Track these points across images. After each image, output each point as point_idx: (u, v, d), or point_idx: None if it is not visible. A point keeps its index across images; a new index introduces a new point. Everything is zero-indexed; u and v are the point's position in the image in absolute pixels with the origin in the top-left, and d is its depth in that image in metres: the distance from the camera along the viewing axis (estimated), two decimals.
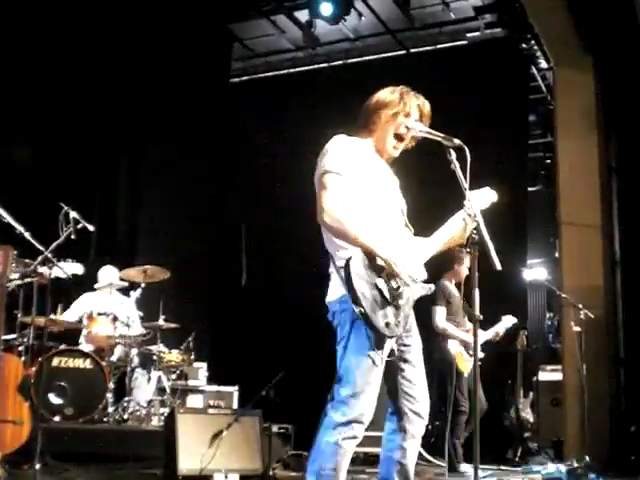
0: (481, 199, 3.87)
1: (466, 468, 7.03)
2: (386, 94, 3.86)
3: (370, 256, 3.49)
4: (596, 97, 8.74)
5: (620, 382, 8.41)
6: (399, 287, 3.54)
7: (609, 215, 8.73)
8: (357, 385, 3.51)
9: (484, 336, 7.43)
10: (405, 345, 3.73)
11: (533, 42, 10.05)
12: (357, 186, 3.65)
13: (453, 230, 3.81)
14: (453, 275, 7.60)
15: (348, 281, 3.40)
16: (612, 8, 8.11)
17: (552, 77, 9.63)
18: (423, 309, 7.16)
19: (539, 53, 10.29)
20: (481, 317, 3.39)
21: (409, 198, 3.95)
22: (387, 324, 3.45)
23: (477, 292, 3.40)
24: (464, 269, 7.47)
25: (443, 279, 7.61)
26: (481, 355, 7.11)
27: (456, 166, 3.55)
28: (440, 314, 7.46)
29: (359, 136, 3.86)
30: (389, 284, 3.50)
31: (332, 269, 3.66)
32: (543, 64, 10.55)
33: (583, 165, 8.63)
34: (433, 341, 7.35)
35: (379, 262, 3.50)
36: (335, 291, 3.61)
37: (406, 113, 3.83)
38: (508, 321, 7.63)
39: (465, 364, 7.35)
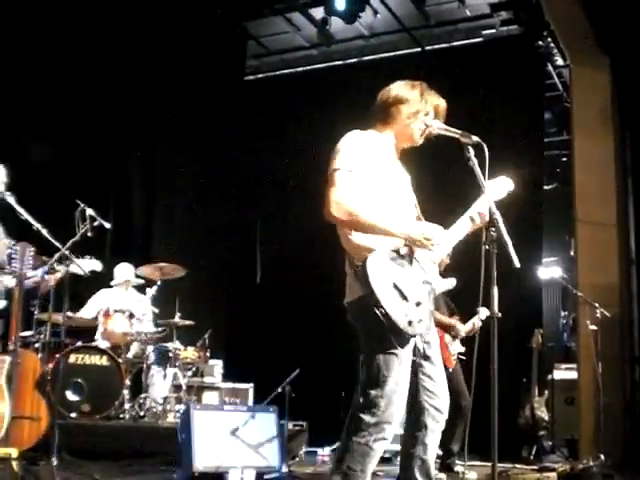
0: (497, 189, 3.90)
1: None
2: (406, 89, 3.88)
3: (389, 255, 3.51)
4: (612, 96, 8.70)
5: (635, 381, 8.38)
6: (418, 284, 3.56)
7: (625, 213, 8.71)
8: (387, 385, 3.52)
9: (463, 330, 7.05)
10: (425, 342, 3.75)
11: (549, 39, 9.98)
12: (370, 182, 3.66)
13: (462, 230, 3.85)
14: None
15: (367, 283, 3.42)
16: (628, 7, 8.07)
17: (568, 75, 9.58)
18: None
19: (555, 50, 10.23)
20: (499, 315, 3.39)
21: (424, 195, 3.97)
22: (410, 322, 3.48)
23: (495, 290, 3.39)
24: (446, 259, 7.19)
25: None
26: (461, 349, 7.03)
27: (474, 163, 3.56)
28: None
29: (376, 129, 3.88)
30: (408, 282, 3.52)
31: (348, 269, 3.67)
32: (559, 61, 10.50)
33: (599, 163, 8.59)
34: None
35: (398, 260, 3.52)
36: (354, 291, 3.61)
37: (426, 112, 3.86)
38: (483, 313, 6.64)
39: (449, 358, 6.89)
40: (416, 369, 3.70)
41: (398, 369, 3.54)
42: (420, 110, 3.84)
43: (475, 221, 3.83)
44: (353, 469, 3.50)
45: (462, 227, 3.85)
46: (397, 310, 3.44)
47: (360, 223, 3.56)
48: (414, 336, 3.56)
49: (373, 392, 3.52)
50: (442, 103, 3.94)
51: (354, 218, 3.55)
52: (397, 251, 3.58)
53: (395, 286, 3.48)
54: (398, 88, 3.90)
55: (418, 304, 3.54)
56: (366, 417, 3.51)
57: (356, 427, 3.53)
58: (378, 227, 3.54)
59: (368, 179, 3.65)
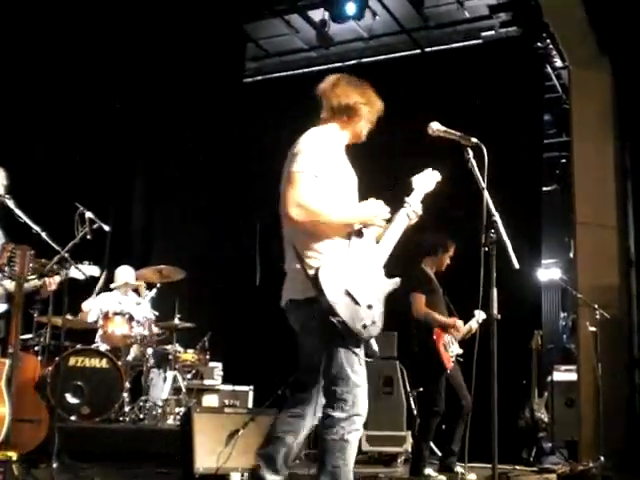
0: (426, 182, 4.05)
1: (430, 471, 6.74)
2: (363, 90, 4.01)
3: (339, 260, 3.64)
4: (612, 97, 8.70)
5: (635, 382, 8.38)
6: (368, 287, 3.67)
7: (624, 215, 8.70)
8: (352, 381, 3.65)
9: (462, 330, 6.99)
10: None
11: (548, 41, 9.98)
12: (331, 185, 3.76)
13: (400, 229, 3.97)
14: (434, 262, 7.12)
15: (322, 293, 3.53)
16: (628, 8, 8.08)
17: (567, 77, 9.59)
18: (400, 299, 7.12)
19: (554, 52, 10.22)
20: (499, 316, 3.40)
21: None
22: (364, 326, 3.61)
23: (495, 292, 3.40)
24: (447, 258, 7.12)
25: (423, 264, 7.13)
26: (460, 351, 6.99)
27: (473, 165, 3.57)
28: (420, 300, 6.88)
29: (336, 127, 3.98)
30: (359, 286, 3.62)
31: (295, 266, 3.74)
32: (558, 63, 10.50)
33: (598, 165, 8.59)
34: (413, 334, 6.98)
35: (348, 265, 3.65)
36: (305, 290, 3.68)
37: (377, 112, 4.03)
38: (480, 316, 6.87)
39: (448, 360, 6.84)
40: None
41: (358, 365, 3.69)
42: (373, 111, 3.99)
43: (411, 218, 3.98)
44: (336, 466, 3.61)
45: (400, 224, 3.97)
46: (351, 316, 3.56)
47: (320, 223, 3.67)
48: (369, 339, 3.69)
49: (339, 389, 3.65)
50: (381, 104, 4.06)
51: (314, 219, 3.66)
52: (347, 255, 3.70)
53: (347, 292, 3.59)
54: (356, 88, 4.00)
55: (370, 307, 3.65)
56: (336, 413, 3.63)
57: (328, 425, 3.64)
58: (335, 221, 3.69)
59: (330, 183, 3.76)
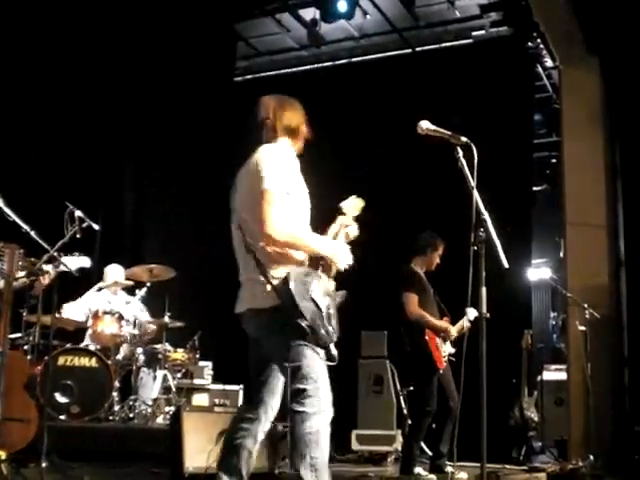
0: (352, 208, 4.19)
1: (420, 470, 6.72)
2: (298, 108, 4.29)
3: (303, 270, 3.80)
4: (601, 97, 8.73)
5: (624, 381, 8.40)
6: (326, 295, 3.83)
7: (614, 214, 8.72)
8: (318, 377, 3.79)
9: (454, 332, 6.96)
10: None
11: (539, 40, 10.01)
12: (297, 202, 3.92)
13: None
14: (424, 262, 7.07)
15: (291, 298, 3.67)
16: (618, 8, 8.10)
17: (558, 77, 9.61)
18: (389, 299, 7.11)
19: (545, 52, 10.25)
20: (488, 315, 3.40)
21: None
22: (327, 332, 3.76)
23: (484, 290, 3.41)
24: (437, 257, 7.07)
25: (412, 264, 7.07)
26: (452, 350, 6.97)
27: (463, 164, 3.58)
28: (413, 300, 6.83)
29: (289, 142, 4.13)
30: (320, 294, 3.77)
31: (259, 276, 3.84)
32: (549, 63, 10.53)
33: (588, 165, 8.62)
34: (405, 333, 6.92)
35: (310, 275, 3.79)
36: (267, 300, 3.80)
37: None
38: (471, 314, 6.31)
39: (440, 359, 6.81)
40: None
41: (321, 363, 3.82)
42: (306, 130, 4.20)
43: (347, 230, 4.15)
44: (316, 457, 3.75)
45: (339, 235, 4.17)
46: (317, 322, 3.71)
47: (296, 245, 3.84)
48: (330, 343, 3.82)
49: (309, 386, 3.77)
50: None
51: (290, 240, 3.80)
52: (307, 266, 3.86)
53: (312, 299, 3.72)
54: (294, 107, 4.28)
55: (329, 315, 3.79)
56: (308, 409, 3.76)
57: (302, 420, 3.77)
58: (308, 250, 3.86)
59: (295, 200, 3.91)
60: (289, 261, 3.84)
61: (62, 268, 6.13)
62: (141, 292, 8.53)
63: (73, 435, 6.81)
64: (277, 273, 3.79)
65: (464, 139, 3.61)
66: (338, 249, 3.96)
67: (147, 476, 6.09)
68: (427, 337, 6.78)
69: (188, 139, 10.90)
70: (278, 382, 4.06)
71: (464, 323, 6.90)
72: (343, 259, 3.94)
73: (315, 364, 3.79)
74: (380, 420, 8.58)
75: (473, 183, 3.56)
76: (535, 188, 11.91)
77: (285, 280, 3.70)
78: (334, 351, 3.86)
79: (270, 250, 3.82)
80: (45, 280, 6.07)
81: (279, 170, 3.86)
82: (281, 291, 3.71)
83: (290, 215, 3.82)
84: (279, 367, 3.96)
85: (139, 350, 8.17)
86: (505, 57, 10.01)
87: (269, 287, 3.78)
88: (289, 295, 3.66)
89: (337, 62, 11.39)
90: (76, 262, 6.41)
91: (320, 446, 3.77)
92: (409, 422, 7.96)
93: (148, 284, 8.51)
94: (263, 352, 4.04)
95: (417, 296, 6.88)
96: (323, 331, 3.74)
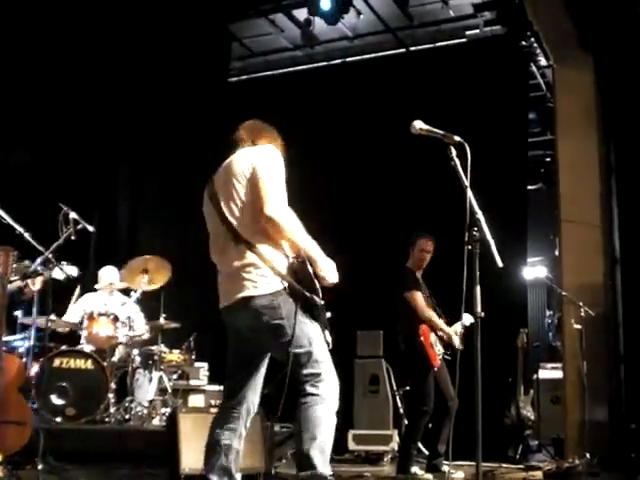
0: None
1: (417, 470, 6.71)
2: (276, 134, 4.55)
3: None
4: (595, 95, 8.74)
5: (620, 379, 8.41)
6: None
7: (609, 213, 8.73)
8: (326, 360, 3.89)
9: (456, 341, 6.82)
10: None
11: (533, 40, 10.00)
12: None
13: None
14: (413, 262, 6.99)
15: (309, 275, 3.83)
16: (612, 6, 8.11)
17: (552, 76, 9.61)
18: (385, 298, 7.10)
19: (539, 51, 10.25)
20: (482, 314, 3.40)
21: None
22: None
23: (478, 289, 3.41)
24: (424, 255, 6.95)
25: (408, 264, 7.02)
26: (442, 350, 6.98)
27: (456, 163, 3.58)
28: (420, 300, 6.77)
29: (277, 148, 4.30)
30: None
31: (257, 262, 3.89)
32: (543, 62, 10.53)
33: (583, 163, 8.63)
34: (400, 332, 6.92)
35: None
36: (269, 285, 3.86)
37: None
38: (467, 320, 6.35)
39: (435, 357, 6.72)
40: None
41: (325, 346, 3.92)
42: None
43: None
44: (324, 440, 3.80)
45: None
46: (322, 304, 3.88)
47: (291, 233, 3.90)
48: (327, 328, 3.96)
49: (318, 369, 3.85)
50: None
51: (287, 227, 3.88)
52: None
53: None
54: (275, 134, 4.59)
55: (322, 299, 3.94)
56: (320, 391, 3.82)
57: (315, 403, 3.81)
58: (302, 243, 3.93)
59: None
60: (281, 251, 3.92)
61: (53, 275, 6.13)
62: (136, 293, 8.52)
63: (69, 437, 6.80)
64: (277, 259, 3.87)
65: (457, 138, 3.62)
66: (328, 260, 3.99)
67: (143, 477, 6.09)
68: (421, 335, 6.76)
69: (183, 141, 10.88)
70: (261, 378, 4.14)
71: (457, 328, 6.82)
72: (330, 272, 3.97)
73: (321, 347, 3.87)
74: (376, 420, 8.58)
75: (467, 182, 3.56)
76: (530, 187, 11.92)
77: (302, 258, 3.81)
78: (329, 337, 3.95)
79: (262, 238, 3.89)
80: (35, 285, 6.07)
81: (276, 163, 4.03)
82: (299, 268, 3.80)
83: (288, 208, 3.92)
84: (278, 354, 3.96)
85: (135, 352, 8.15)
86: (499, 56, 10.01)
87: (270, 271, 3.83)
88: (307, 272, 3.77)
89: (331, 62, 11.38)
90: (65, 271, 6.42)
91: (329, 430, 3.83)
92: (405, 422, 7.97)
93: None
94: (251, 345, 4.06)
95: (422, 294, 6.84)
96: (323, 314, 3.88)
